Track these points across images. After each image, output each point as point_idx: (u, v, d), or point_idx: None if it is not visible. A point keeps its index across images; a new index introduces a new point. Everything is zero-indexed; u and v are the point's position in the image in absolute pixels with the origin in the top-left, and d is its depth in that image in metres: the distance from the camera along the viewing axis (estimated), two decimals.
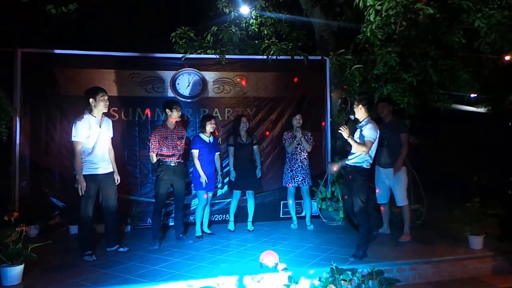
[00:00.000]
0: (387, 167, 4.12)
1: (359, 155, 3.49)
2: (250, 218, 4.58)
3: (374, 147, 3.50)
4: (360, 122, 3.57)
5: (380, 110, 4.21)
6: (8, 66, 4.37)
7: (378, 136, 3.51)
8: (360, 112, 3.53)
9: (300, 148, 4.60)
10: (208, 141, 4.25)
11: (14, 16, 5.29)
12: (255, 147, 4.56)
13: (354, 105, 3.58)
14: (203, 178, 4.09)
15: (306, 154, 4.64)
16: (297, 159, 4.60)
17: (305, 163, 4.62)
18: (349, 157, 3.61)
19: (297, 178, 4.57)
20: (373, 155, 3.55)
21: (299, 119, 4.57)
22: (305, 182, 4.60)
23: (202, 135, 4.25)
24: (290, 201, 4.67)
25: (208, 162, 4.23)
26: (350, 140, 3.42)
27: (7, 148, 4.32)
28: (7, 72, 4.36)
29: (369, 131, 3.44)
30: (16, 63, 4.37)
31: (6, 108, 4.10)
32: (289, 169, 4.61)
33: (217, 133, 4.78)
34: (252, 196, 4.56)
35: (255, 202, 4.59)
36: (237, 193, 4.52)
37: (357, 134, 3.58)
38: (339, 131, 3.47)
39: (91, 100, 3.53)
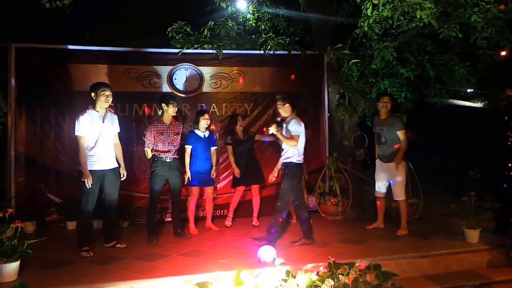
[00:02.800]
0: (386, 161, 4.16)
1: (287, 151, 3.68)
2: (255, 214, 4.58)
3: (302, 141, 3.68)
4: (286, 119, 3.77)
5: (384, 104, 4.16)
6: (1, 61, 4.30)
7: (303, 130, 3.70)
8: (286, 110, 3.74)
9: None
10: (203, 136, 4.21)
11: (7, 11, 5.21)
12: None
13: (279, 104, 3.77)
14: (187, 174, 4.09)
15: None
16: None
17: None
18: (281, 154, 3.75)
19: None
20: (302, 150, 3.72)
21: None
22: None
23: (196, 131, 4.22)
24: None
25: (203, 158, 4.20)
26: (278, 135, 3.64)
27: (2, 144, 4.27)
28: (0, 67, 4.30)
29: (294, 126, 3.67)
30: (10, 58, 4.30)
31: (0, 104, 4.05)
32: None
33: (214, 128, 4.76)
34: (258, 191, 4.56)
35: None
36: (240, 190, 4.52)
37: (283, 130, 3.74)
38: (269, 129, 3.66)
39: (92, 94, 3.53)
